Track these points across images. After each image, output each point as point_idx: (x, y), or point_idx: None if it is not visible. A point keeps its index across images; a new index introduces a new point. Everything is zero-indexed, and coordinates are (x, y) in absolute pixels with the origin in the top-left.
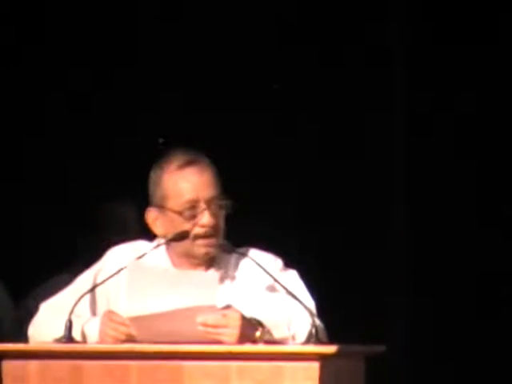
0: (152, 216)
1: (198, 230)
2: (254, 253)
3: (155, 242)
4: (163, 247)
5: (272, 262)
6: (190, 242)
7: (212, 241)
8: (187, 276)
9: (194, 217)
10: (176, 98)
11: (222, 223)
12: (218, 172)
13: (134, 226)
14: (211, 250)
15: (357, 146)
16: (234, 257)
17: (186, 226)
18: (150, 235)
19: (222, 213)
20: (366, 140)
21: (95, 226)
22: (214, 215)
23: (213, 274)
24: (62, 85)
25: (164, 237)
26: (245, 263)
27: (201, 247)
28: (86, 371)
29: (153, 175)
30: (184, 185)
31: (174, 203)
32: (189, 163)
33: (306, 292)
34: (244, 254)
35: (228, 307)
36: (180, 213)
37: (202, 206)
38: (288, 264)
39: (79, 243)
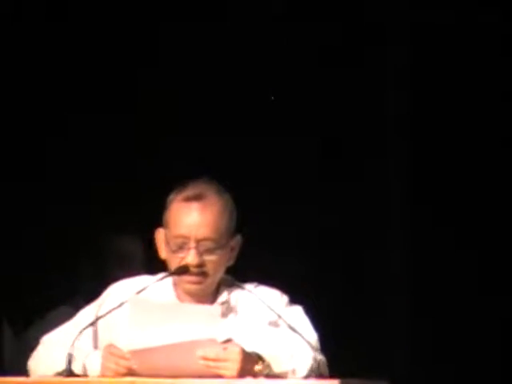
0: (160, 237)
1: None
2: (260, 289)
3: (159, 276)
4: (169, 281)
5: (278, 298)
6: (179, 277)
7: (197, 279)
8: (189, 310)
9: (181, 251)
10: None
11: (215, 264)
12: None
13: (139, 262)
14: (194, 288)
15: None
16: (239, 291)
17: (175, 258)
18: (154, 271)
19: (219, 254)
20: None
21: (99, 261)
22: (200, 255)
23: (215, 308)
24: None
25: (164, 261)
26: (250, 298)
27: (185, 283)
28: None
29: (168, 198)
30: (182, 219)
31: (170, 233)
32: (195, 198)
33: (309, 327)
34: (249, 289)
35: (229, 341)
36: (169, 243)
37: (192, 244)
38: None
39: (81, 276)
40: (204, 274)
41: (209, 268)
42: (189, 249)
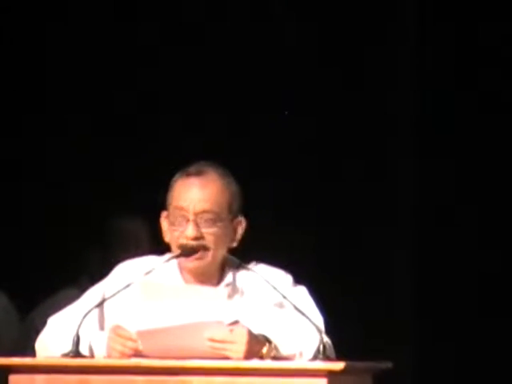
0: (163, 221)
1: (182, 241)
2: (264, 268)
3: (165, 256)
4: (175, 263)
5: (282, 277)
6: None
7: (197, 255)
8: (195, 291)
9: (181, 225)
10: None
11: (214, 237)
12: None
13: (144, 243)
14: (196, 264)
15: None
16: (244, 272)
17: (175, 231)
18: (160, 252)
19: (219, 226)
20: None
21: (104, 242)
22: (198, 228)
23: (221, 289)
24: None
25: (169, 244)
26: (255, 279)
27: (186, 260)
28: None
29: (172, 179)
30: (182, 192)
31: (171, 207)
32: (196, 173)
33: (314, 308)
34: (254, 270)
35: (236, 323)
36: (170, 218)
37: (191, 217)
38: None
39: (87, 258)
40: (204, 248)
41: (208, 241)
42: (187, 221)
